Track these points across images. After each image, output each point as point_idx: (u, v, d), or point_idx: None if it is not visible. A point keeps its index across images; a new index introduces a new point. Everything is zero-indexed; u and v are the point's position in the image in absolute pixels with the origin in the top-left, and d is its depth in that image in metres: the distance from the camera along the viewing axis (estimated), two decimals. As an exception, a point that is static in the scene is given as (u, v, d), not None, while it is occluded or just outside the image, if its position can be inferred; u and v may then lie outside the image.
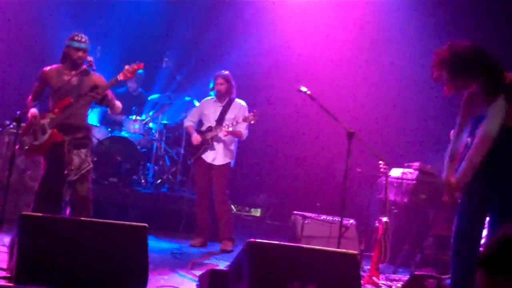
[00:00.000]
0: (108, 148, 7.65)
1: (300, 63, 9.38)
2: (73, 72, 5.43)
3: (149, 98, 8.85)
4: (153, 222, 7.11)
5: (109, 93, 5.49)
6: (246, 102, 7.17)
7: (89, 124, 5.69)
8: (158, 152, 8.56)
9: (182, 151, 8.41)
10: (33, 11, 9.00)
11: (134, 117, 8.30)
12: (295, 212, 7.07)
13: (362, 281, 4.96)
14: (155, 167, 8.48)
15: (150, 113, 8.64)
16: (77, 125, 5.43)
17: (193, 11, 9.74)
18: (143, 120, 8.43)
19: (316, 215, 6.92)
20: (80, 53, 5.41)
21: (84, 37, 5.46)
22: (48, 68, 5.58)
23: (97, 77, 5.55)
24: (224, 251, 6.89)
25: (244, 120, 6.78)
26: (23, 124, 5.77)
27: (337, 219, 6.69)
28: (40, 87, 5.63)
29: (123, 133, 8.22)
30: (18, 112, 7.14)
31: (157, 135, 8.53)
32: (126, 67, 5.39)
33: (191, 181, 8.24)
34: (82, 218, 4.45)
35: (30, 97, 5.61)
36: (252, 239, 4.41)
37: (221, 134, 6.88)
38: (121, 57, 8.48)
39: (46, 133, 5.34)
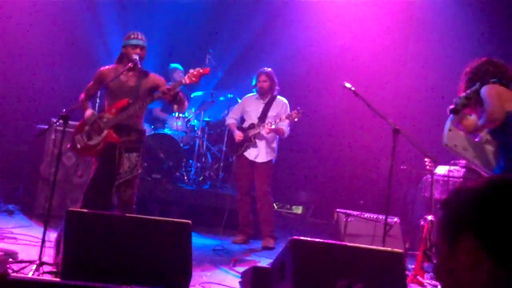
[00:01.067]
0: (152, 145, 7.71)
1: (343, 59, 9.29)
2: (131, 73, 5.32)
3: (191, 96, 8.89)
4: (196, 219, 7.07)
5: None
6: (288, 99, 7.12)
7: (143, 128, 5.56)
8: (200, 149, 8.59)
9: (224, 148, 8.42)
10: (77, 12, 9.15)
11: (176, 114, 8.34)
12: (337, 209, 7.00)
13: (407, 280, 4.86)
14: (198, 164, 8.52)
15: (193, 110, 8.67)
16: (132, 127, 5.33)
17: (235, 8, 9.74)
18: (185, 117, 8.47)
19: (360, 213, 6.83)
20: (137, 50, 5.29)
21: (140, 35, 5.37)
22: (106, 68, 5.50)
23: (157, 78, 5.48)
24: (266, 248, 6.87)
25: (287, 117, 6.75)
26: (72, 122, 5.84)
27: (381, 217, 6.60)
28: (95, 87, 5.53)
29: (166, 131, 8.28)
30: (64, 110, 7.33)
31: (199, 132, 8.56)
32: (191, 70, 5.24)
33: (233, 178, 8.25)
34: (127, 215, 4.47)
35: (82, 96, 5.52)
36: (296, 237, 4.37)
37: (263, 132, 6.87)
38: (164, 55, 8.58)
39: (102, 133, 5.25)
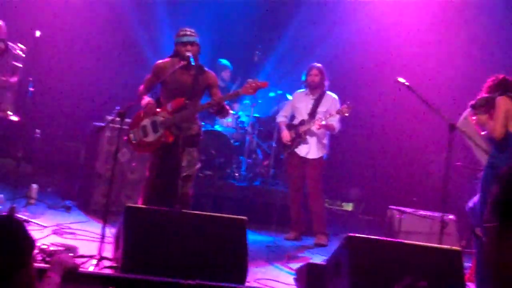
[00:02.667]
0: (203, 141, 7.77)
1: (394, 54, 9.15)
2: (187, 70, 5.30)
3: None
4: (247, 215, 7.08)
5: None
6: (337, 95, 7.07)
7: (200, 122, 5.60)
8: (251, 145, 8.62)
9: (274, 145, 8.42)
10: (129, 11, 9.29)
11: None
12: (391, 206, 6.91)
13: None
14: (248, 161, 8.55)
15: (241, 107, 8.72)
16: (190, 124, 5.35)
17: (284, 3, 9.72)
18: (235, 114, 8.51)
19: (413, 210, 6.74)
20: (188, 47, 5.27)
21: (190, 30, 5.34)
22: (162, 61, 5.49)
23: (211, 76, 5.45)
24: (318, 245, 6.85)
25: (338, 112, 6.70)
26: (128, 120, 5.92)
27: (436, 215, 6.51)
28: (153, 80, 5.49)
29: (217, 127, 8.33)
30: (117, 108, 7.47)
31: (249, 128, 8.58)
32: (250, 81, 5.16)
33: (284, 174, 8.26)
34: (184, 211, 4.52)
35: (141, 88, 5.51)
36: (351, 234, 4.35)
37: (314, 128, 6.83)
38: (212, 50, 8.61)
39: (158, 132, 5.28)
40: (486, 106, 5.22)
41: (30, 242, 2.09)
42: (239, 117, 8.58)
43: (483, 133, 5.36)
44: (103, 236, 4.67)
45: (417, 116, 8.47)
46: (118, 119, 4.82)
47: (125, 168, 7.06)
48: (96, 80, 9.10)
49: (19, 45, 6.32)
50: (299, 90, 7.21)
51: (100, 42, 9.13)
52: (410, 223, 6.52)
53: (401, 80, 5.43)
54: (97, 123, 7.33)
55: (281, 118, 7.25)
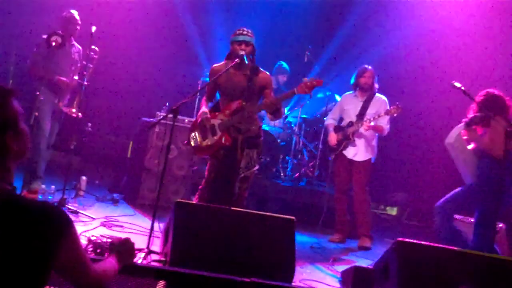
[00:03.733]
0: (263, 143, 7.76)
1: (449, 56, 8.96)
2: (241, 71, 5.30)
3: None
4: (292, 215, 7.14)
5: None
6: (387, 97, 6.96)
7: (259, 123, 5.54)
8: (297, 146, 8.58)
9: (321, 146, 8.37)
10: (181, 9, 9.38)
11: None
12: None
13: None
14: (294, 161, 8.52)
15: (288, 107, 8.70)
16: (250, 124, 5.32)
17: (335, 5, 9.65)
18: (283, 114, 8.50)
19: (463, 217, 6.57)
20: (242, 46, 5.26)
21: (246, 30, 5.31)
22: (217, 64, 5.50)
23: (265, 77, 5.39)
24: (362, 248, 6.78)
25: (386, 113, 6.59)
26: (179, 117, 5.96)
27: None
28: (212, 86, 5.51)
29: (264, 126, 8.32)
30: (167, 104, 7.56)
31: (296, 129, 8.55)
32: (305, 80, 5.07)
33: (330, 176, 8.20)
34: (233, 208, 4.52)
35: (204, 98, 5.58)
36: (401, 238, 4.27)
37: (362, 129, 6.75)
38: (264, 52, 8.59)
39: (216, 134, 5.29)
40: (481, 124, 5.50)
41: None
42: (286, 117, 8.55)
43: (470, 147, 5.67)
44: (151, 229, 4.71)
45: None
46: (170, 115, 4.83)
47: (172, 165, 7.13)
48: (146, 76, 9.23)
49: (93, 47, 6.43)
50: (347, 93, 7.14)
51: (151, 39, 9.25)
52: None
53: (457, 84, 5.31)
54: (147, 119, 7.43)
55: (329, 121, 7.19)
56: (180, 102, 4.97)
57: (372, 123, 6.67)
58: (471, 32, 8.98)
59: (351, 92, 7.07)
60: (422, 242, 4.44)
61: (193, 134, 5.43)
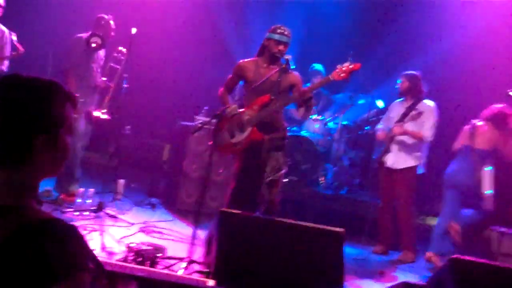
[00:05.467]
0: (288, 146, 7.60)
1: (498, 64, 8.60)
2: (272, 67, 5.11)
3: (331, 98, 8.68)
4: (332, 225, 6.91)
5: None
6: (436, 103, 6.66)
7: (285, 124, 5.38)
8: (337, 153, 8.36)
9: (361, 153, 8.14)
10: (219, 11, 9.25)
11: (315, 116, 8.17)
12: (491, 227, 6.44)
13: None
14: (334, 168, 8.29)
15: (330, 114, 8.49)
16: (276, 123, 5.15)
17: (375, 9, 9.40)
18: (323, 119, 8.28)
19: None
20: (281, 47, 5.05)
21: (287, 30, 5.10)
22: (245, 61, 5.30)
23: (295, 76, 5.21)
24: (405, 261, 6.54)
25: (411, 118, 6.33)
26: (207, 119, 5.77)
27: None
28: (235, 80, 5.37)
29: (303, 132, 8.13)
30: (206, 108, 7.41)
31: (336, 135, 8.33)
32: (339, 66, 4.85)
33: (372, 184, 7.97)
34: (280, 219, 4.33)
35: (222, 89, 5.37)
36: (457, 256, 4.05)
37: (394, 134, 6.48)
38: (303, 54, 8.40)
39: (245, 131, 5.09)
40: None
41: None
42: (326, 123, 8.33)
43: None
44: (193, 238, 4.56)
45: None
46: (214, 120, 4.67)
47: (210, 170, 6.96)
48: (183, 78, 9.10)
49: (120, 48, 6.33)
50: (397, 100, 6.88)
51: (189, 41, 9.12)
52: (510, 245, 6.07)
53: (513, 94, 5.06)
54: (186, 123, 7.30)
55: (379, 126, 6.96)
56: (224, 107, 4.81)
57: (403, 127, 6.39)
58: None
59: (400, 99, 6.82)
60: (479, 260, 4.22)
61: (220, 133, 5.18)
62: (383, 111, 7.62)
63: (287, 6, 9.22)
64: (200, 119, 7.01)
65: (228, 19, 9.18)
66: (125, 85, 6.06)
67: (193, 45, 9.10)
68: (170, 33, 9.03)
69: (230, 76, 5.37)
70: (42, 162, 1.58)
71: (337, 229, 4.25)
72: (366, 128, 8.38)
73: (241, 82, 5.45)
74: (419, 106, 6.59)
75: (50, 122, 1.58)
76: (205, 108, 7.38)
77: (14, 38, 6.10)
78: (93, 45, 6.06)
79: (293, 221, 4.31)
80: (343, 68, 4.83)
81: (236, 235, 4.08)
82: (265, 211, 5.03)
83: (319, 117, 8.23)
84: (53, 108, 1.59)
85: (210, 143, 5.34)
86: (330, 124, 8.42)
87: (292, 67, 5.08)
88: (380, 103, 8.29)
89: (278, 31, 5.08)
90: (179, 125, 7.56)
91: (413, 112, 6.42)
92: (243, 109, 5.18)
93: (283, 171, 5.16)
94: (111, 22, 6.34)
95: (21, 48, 6.22)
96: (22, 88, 1.56)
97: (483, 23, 8.61)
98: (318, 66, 8.36)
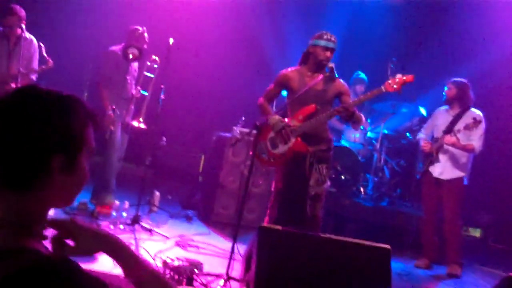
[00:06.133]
0: (333, 157, 7.38)
1: None
2: (317, 76, 4.92)
3: (372, 106, 8.43)
4: (373, 237, 6.67)
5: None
6: (485, 113, 6.39)
7: (331, 135, 5.18)
8: (378, 163, 8.09)
9: (403, 163, 7.86)
10: (256, 20, 9.10)
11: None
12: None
13: None
14: (375, 179, 8.02)
15: (369, 121, 8.24)
16: (321, 135, 4.96)
17: (421, 14, 9.12)
18: (363, 129, 8.03)
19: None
20: (328, 53, 4.89)
21: (333, 36, 4.93)
22: (289, 70, 5.13)
23: (342, 85, 5.04)
24: (451, 276, 6.28)
25: (465, 127, 6.06)
26: (243, 129, 5.59)
27: None
28: (277, 90, 5.19)
29: (343, 142, 7.90)
30: (243, 118, 7.26)
31: (377, 145, 8.07)
32: (391, 77, 4.70)
33: (413, 195, 7.70)
34: (322, 235, 4.12)
35: (262, 99, 5.20)
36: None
37: (445, 143, 6.22)
38: (342, 62, 8.20)
39: (289, 142, 4.90)
40: None
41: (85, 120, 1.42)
42: (366, 132, 8.09)
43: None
44: (232, 253, 4.38)
45: None
46: (255, 131, 4.50)
47: (248, 181, 6.80)
48: (220, 90, 8.97)
49: (153, 57, 6.23)
50: (441, 107, 6.62)
51: (226, 51, 8.99)
52: None
53: None
54: (223, 133, 7.16)
55: (420, 135, 6.74)
56: (265, 118, 4.64)
57: (453, 138, 6.12)
58: None
59: (445, 107, 6.56)
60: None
61: (261, 144, 4.98)
62: (426, 119, 7.37)
63: (326, 12, 9.03)
64: (238, 129, 6.86)
65: (265, 28, 9.02)
66: (162, 96, 5.92)
67: (230, 56, 8.96)
68: (206, 43, 8.94)
69: (272, 85, 5.20)
70: (56, 188, 1.37)
71: (384, 245, 4.02)
72: (408, 136, 8.13)
73: (283, 92, 5.28)
74: (468, 115, 6.32)
75: (70, 141, 1.38)
76: (243, 118, 7.23)
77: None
78: (130, 56, 5.97)
79: (337, 237, 4.09)
80: (396, 80, 4.68)
81: (276, 252, 3.88)
82: (308, 226, 4.84)
83: (360, 127, 7.98)
84: (73, 126, 1.39)
85: (251, 153, 5.15)
86: (371, 134, 8.17)
87: (335, 75, 4.89)
88: (423, 111, 8.02)
89: (325, 37, 4.92)
90: (216, 136, 7.42)
91: (468, 121, 6.13)
92: (287, 119, 4.99)
93: (327, 185, 4.97)
94: (145, 34, 6.23)
95: (50, 61, 6.17)
96: (39, 102, 1.37)
97: None
98: (363, 75, 8.15)
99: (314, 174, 4.88)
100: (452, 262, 6.37)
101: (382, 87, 4.72)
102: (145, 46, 6.24)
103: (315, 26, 8.44)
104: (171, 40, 5.97)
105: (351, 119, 4.84)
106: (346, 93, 5.03)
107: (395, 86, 4.66)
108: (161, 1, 8.48)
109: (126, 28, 6.29)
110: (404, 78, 4.66)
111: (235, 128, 6.95)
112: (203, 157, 8.39)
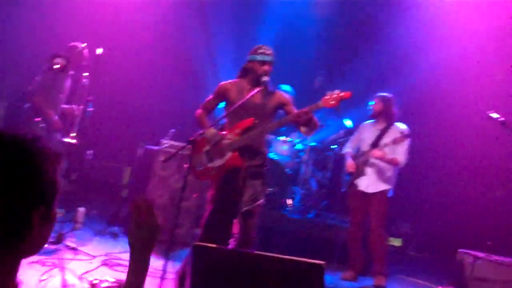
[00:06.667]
0: (268, 172, 7.35)
1: (476, 83, 8.58)
2: (256, 89, 4.82)
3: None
4: (301, 250, 6.73)
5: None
6: (411, 127, 6.58)
7: (266, 149, 5.11)
8: (305, 175, 8.17)
9: (329, 174, 7.97)
10: (185, 33, 9.02)
11: (283, 138, 7.97)
12: (461, 250, 6.36)
13: None
14: (302, 191, 8.10)
15: (298, 134, 8.32)
16: (256, 149, 4.87)
17: (348, 28, 9.31)
18: (291, 141, 8.09)
19: (486, 254, 6.20)
20: (265, 67, 4.83)
21: (269, 49, 4.89)
22: (228, 82, 5.06)
23: (281, 96, 5.01)
24: (380, 286, 6.36)
25: (393, 142, 6.23)
26: (175, 143, 5.47)
27: (509, 261, 6.03)
28: (215, 101, 5.10)
29: (271, 155, 7.92)
30: (172, 130, 7.14)
31: (304, 157, 8.15)
32: (329, 93, 4.61)
33: (340, 207, 7.83)
34: (257, 252, 4.08)
35: (200, 111, 5.09)
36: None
37: (372, 159, 6.37)
38: (273, 75, 8.25)
39: (225, 156, 4.82)
40: None
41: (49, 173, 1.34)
42: (294, 145, 8.15)
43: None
44: (164, 272, 4.27)
45: (489, 150, 7.92)
46: (189, 145, 4.40)
47: (176, 195, 6.68)
48: (148, 103, 8.80)
49: (84, 74, 6.05)
50: (367, 121, 6.77)
51: (155, 65, 8.84)
52: (484, 269, 5.97)
53: (494, 115, 4.96)
54: (151, 146, 7.02)
55: (347, 149, 6.83)
56: (198, 133, 4.56)
57: (379, 152, 6.28)
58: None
59: (371, 120, 6.71)
60: None
61: (196, 157, 4.89)
62: (351, 131, 7.53)
63: (256, 23, 9.06)
64: (167, 142, 6.73)
65: (194, 40, 8.95)
66: (90, 109, 5.73)
67: (158, 68, 8.83)
68: (135, 55, 8.74)
69: (210, 97, 5.11)
70: (35, 238, 1.30)
71: (318, 261, 4.02)
72: (334, 148, 8.25)
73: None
74: (393, 129, 6.50)
75: (48, 190, 1.31)
76: (172, 130, 7.09)
77: None
78: (56, 66, 5.74)
79: (272, 254, 4.07)
80: (334, 95, 4.61)
81: (211, 271, 3.81)
82: (240, 243, 4.78)
83: (287, 139, 8.04)
84: (48, 173, 1.31)
85: (186, 166, 5.01)
86: (299, 146, 8.24)
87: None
88: (348, 123, 8.17)
89: (259, 51, 4.88)
90: (143, 149, 7.25)
91: (396, 135, 6.29)
92: (224, 132, 4.90)
93: (261, 201, 4.89)
94: (85, 51, 6.10)
95: None
96: (8, 157, 1.26)
97: (456, 45, 8.58)
98: (286, 88, 8.18)
99: (248, 190, 4.81)
100: (377, 274, 6.48)
101: (320, 103, 4.65)
102: (84, 63, 6.06)
103: (245, 38, 8.50)
104: (99, 50, 5.80)
105: (307, 126, 4.76)
106: (288, 103, 4.98)
107: (332, 102, 4.61)
108: (88, 11, 8.22)
109: (63, 43, 6.10)
110: (342, 94, 4.61)
111: (163, 140, 6.81)
112: (128, 169, 8.19)
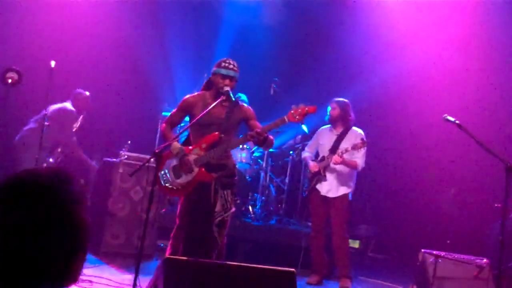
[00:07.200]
0: (237, 182, 7.32)
1: (433, 88, 8.76)
2: (221, 103, 4.79)
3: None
4: (265, 257, 6.75)
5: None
6: (364, 130, 6.70)
7: (233, 160, 5.07)
8: (264, 181, 8.19)
9: (287, 180, 8.02)
10: (142, 45, 8.91)
11: (241, 146, 7.96)
12: (424, 250, 6.48)
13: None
14: (262, 198, 8.11)
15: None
16: (224, 162, 4.85)
17: (303, 33, 9.37)
18: (249, 148, 8.09)
19: (446, 253, 6.34)
20: (227, 81, 4.79)
21: (233, 63, 4.86)
22: (191, 95, 5.00)
23: (246, 109, 4.99)
24: (347, 289, 6.44)
25: (353, 147, 6.33)
26: (132, 154, 5.36)
27: (470, 258, 6.18)
28: (180, 115, 5.04)
29: (231, 163, 7.90)
30: (129, 142, 7.04)
31: (263, 164, 8.17)
32: (294, 107, 4.60)
33: (300, 213, 7.88)
34: (229, 263, 4.06)
35: (164, 125, 5.02)
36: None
37: (332, 164, 6.45)
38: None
39: (192, 171, 4.76)
40: None
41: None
42: (253, 152, 8.16)
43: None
44: (134, 286, 4.19)
45: (446, 151, 8.11)
46: (153, 159, 4.35)
47: (137, 207, 6.59)
48: (104, 114, 8.61)
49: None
50: (324, 126, 6.85)
51: (110, 76, 8.66)
52: (446, 268, 6.10)
53: (450, 118, 5.08)
54: (109, 159, 6.88)
55: (305, 154, 6.89)
56: (163, 145, 4.50)
57: (340, 158, 6.37)
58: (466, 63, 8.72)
59: (328, 125, 6.79)
60: None
61: (162, 172, 4.83)
62: (308, 136, 7.60)
63: (208, 35, 9.04)
64: (126, 154, 6.63)
65: (150, 52, 8.83)
66: (47, 123, 5.59)
67: (113, 80, 8.65)
68: (89, 66, 8.56)
69: (175, 111, 5.04)
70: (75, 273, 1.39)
71: (289, 269, 4.05)
72: (291, 154, 8.30)
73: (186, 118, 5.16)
74: (350, 134, 6.60)
75: (83, 235, 1.36)
76: (129, 142, 6.98)
77: None
78: (9, 80, 5.58)
79: (243, 264, 4.06)
80: (299, 110, 4.60)
81: (183, 283, 3.77)
82: (216, 254, 4.75)
83: (245, 146, 8.03)
84: (80, 220, 1.35)
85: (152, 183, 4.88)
86: (257, 153, 8.26)
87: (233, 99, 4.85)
88: (304, 128, 8.24)
89: (223, 64, 4.84)
90: (101, 161, 7.11)
91: (356, 141, 6.38)
92: (189, 147, 4.85)
93: (232, 211, 4.87)
94: (88, 99, 6.71)
95: None
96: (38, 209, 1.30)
97: (420, 49, 8.76)
98: (244, 97, 8.18)
99: (220, 200, 4.78)
100: (342, 276, 6.55)
101: (285, 118, 4.64)
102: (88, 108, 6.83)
103: (201, 49, 8.46)
104: (52, 63, 5.68)
105: (263, 144, 4.75)
106: (252, 118, 4.96)
107: (297, 117, 4.61)
108: (38, 25, 8.00)
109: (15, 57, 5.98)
110: (307, 109, 4.60)
111: (122, 152, 6.70)
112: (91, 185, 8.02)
